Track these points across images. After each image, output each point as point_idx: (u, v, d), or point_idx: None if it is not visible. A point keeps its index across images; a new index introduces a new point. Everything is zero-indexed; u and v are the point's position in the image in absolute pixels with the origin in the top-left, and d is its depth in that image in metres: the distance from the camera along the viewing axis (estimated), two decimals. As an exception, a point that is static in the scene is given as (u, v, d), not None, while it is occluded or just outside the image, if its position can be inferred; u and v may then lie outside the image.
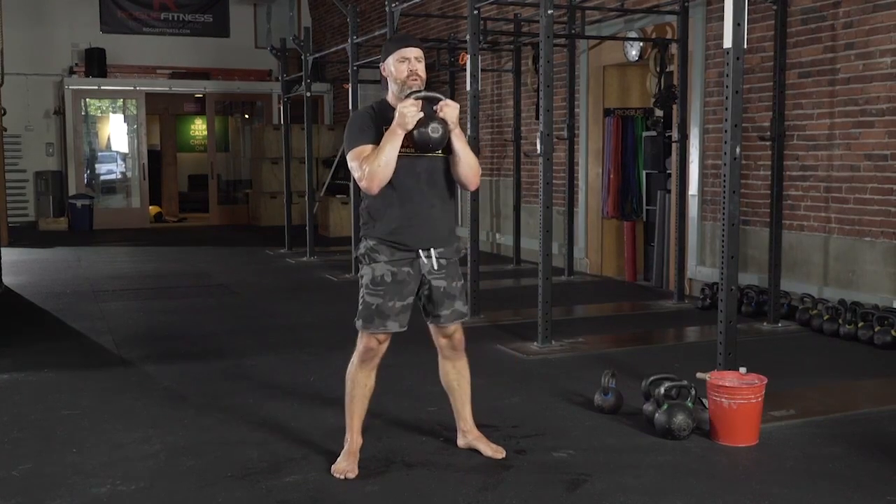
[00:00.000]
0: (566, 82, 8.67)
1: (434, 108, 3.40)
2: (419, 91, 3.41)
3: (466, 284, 6.42)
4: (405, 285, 3.47)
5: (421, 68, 3.46)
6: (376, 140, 3.38)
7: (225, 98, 16.51)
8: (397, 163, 3.34)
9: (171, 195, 17.29)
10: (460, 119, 3.50)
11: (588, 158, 8.96)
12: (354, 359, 3.53)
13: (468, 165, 3.48)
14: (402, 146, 3.35)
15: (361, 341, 3.50)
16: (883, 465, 3.56)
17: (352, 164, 3.41)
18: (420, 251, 3.46)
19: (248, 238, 13.15)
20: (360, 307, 3.50)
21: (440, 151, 3.45)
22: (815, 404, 4.38)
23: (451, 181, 3.55)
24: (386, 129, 3.37)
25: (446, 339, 3.64)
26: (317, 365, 5.23)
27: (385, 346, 3.51)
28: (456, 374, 3.70)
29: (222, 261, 10.58)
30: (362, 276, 3.53)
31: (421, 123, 3.34)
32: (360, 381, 3.52)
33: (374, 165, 3.32)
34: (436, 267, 3.49)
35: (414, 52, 3.46)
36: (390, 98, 3.51)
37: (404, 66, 3.44)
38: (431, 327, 3.64)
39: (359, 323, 3.49)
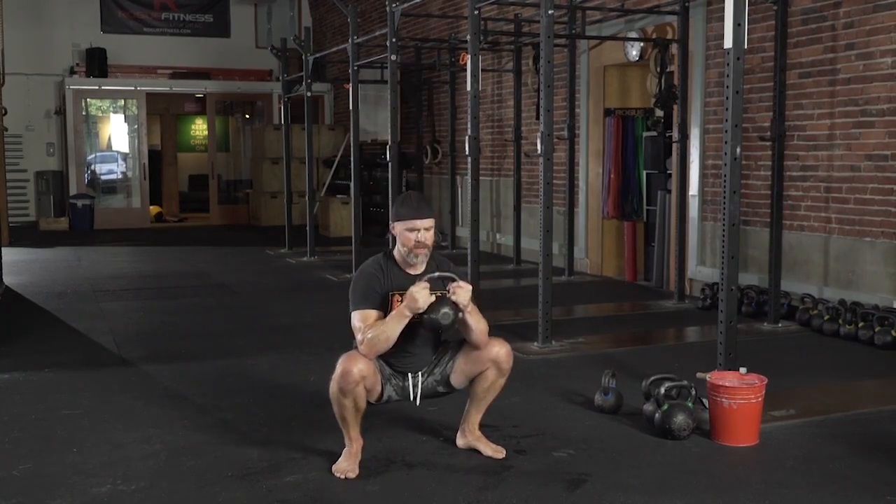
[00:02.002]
0: (567, 82, 8.68)
1: (447, 288, 3.46)
2: (433, 274, 3.47)
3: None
4: (395, 384, 3.61)
5: (429, 237, 3.52)
6: (381, 305, 3.47)
7: (225, 98, 16.52)
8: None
9: (172, 195, 17.30)
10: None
11: (588, 158, 8.96)
12: (333, 387, 3.41)
13: (481, 333, 3.58)
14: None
15: (337, 372, 3.38)
16: (883, 465, 3.56)
17: (355, 324, 3.48)
18: (409, 375, 3.60)
19: (249, 238, 13.15)
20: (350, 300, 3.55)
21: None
22: (815, 404, 4.38)
23: (438, 341, 3.67)
24: (392, 296, 3.45)
25: (492, 357, 3.57)
26: (317, 365, 5.22)
27: (361, 377, 3.36)
28: (491, 387, 3.66)
29: (222, 261, 10.58)
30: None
31: (431, 308, 3.38)
32: (347, 406, 3.42)
33: (375, 339, 3.39)
34: (421, 386, 3.62)
35: (424, 224, 3.51)
36: (397, 255, 3.58)
37: (412, 236, 3.50)
38: (466, 362, 3.61)
39: (353, 308, 3.50)
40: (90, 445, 3.85)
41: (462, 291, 3.43)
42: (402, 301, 3.42)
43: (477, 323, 3.54)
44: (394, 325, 3.40)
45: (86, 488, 3.37)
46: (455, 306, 3.42)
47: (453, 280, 3.48)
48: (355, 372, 3.36)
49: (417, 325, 3.49)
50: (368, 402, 3.49)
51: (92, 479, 3.45)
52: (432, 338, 3.64)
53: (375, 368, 3.47)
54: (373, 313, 3.46)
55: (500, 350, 3.59)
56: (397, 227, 3.54)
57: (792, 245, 6.62)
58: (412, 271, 3.56)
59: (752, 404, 3.79)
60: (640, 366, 5.04)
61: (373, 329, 3.40)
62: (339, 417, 3.49)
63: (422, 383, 3.61)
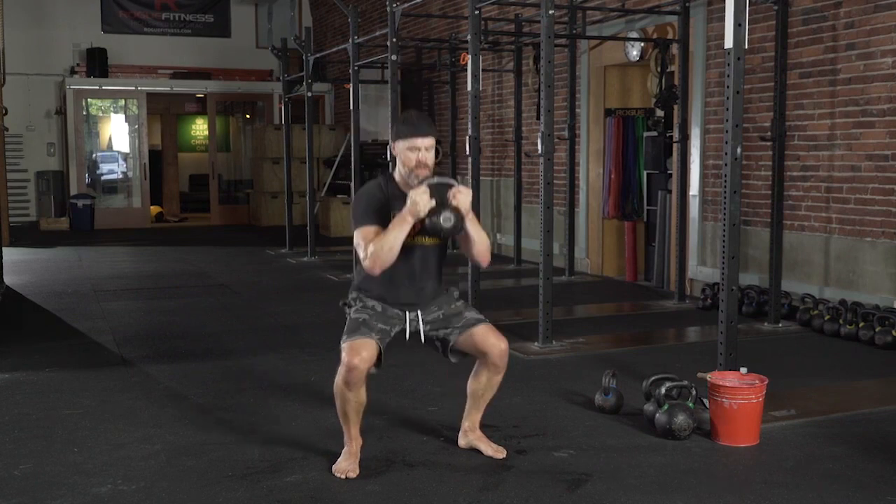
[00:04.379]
0: (567, 82, 8.67)
1: (447, 194, 3.40)
2: (432, 178, 3.42)
3: (467, 285, 6.46)
4: (391, 319, 3.52)
5: (430, 157, 3.45)
6: (382, 221, 3.40)
7: (226, 98, 16.52)
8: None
9: (172, 195, 17.31)
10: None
11: (589, 158, 8.96)
12: (338, 380, 3.41)
13: (482, 246, 3.53)
14: (410, 231, 3.36)
15: (343, 362, 3.37)
16: (883, 465, 3.56)
17: (357, 242, 3.42)
18: (407, 312, 3.53)
19: (249, 238, 13.15)
20: (345, 329, 3.48)
21: (436, 239, 3.48)
22: (815, 404, 4.38)
23: (441, 265, 3.62)
24: (394, 212, 3.38)
25: (489, 350, 3.53)
26: (317, 365, 5.23)
27: (367, 366, 3.36)
28: (488, 385, 3.65)
29: (223, 261, 10.58)
30: (349, 308, 3.56)
31: (433, 212, 3.34)
32: (349, 400, 3.42)
33: (379, 249, 3.33)
34: (421, 327, 3.54)
35: (425, 143, 3.43)
36: (398, 177, 3.51)
37: (413, 155, 3.42)
38: (464, 343, 3.57)
39: (344, 338, 3.44)
40: (91, 445, 3.85)
41: (462, 196, 3.38)
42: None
43: (477, 233, 3.49)
44: (396, 233, 3.33)
45: (86, 488, 3.37)
46: (457, 211, 3.36)
47: (452, 185, 3.42)
48: (361, 365, 3.34)
49: (417, 250, 3.45)
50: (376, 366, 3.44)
51: (92, 479, 3.45)
52: (434, 263, 3.56)
53: (376, 346, 3.41)
54: (374, 228, 3.39)
55: (497, 343, 3.55)
56: (398, 146, 3.45)
57: (792, 245, 6.62)
58: None
59: (752, 404, 3.79)
60: (641, 366, 5.04)
61: (374, 242, 3.35)
62: (341, 413, 3.48)
63: (421, 325, 3.54)
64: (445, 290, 3.66)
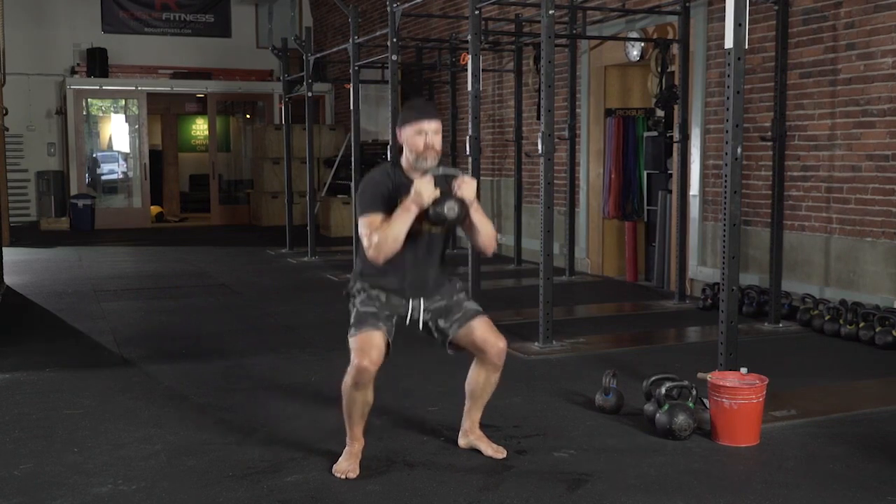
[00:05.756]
0: (567, 82, 8.67)
1: (452, 183, 3.40)
2: (437, 168, 3.42)
3: (468, 285, 6.45)
4: (396, 308, 3.53)
5: (437, 141, 3.42)
6: (388, 209, 3.38)
7: (226, 98, 16.52)
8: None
9: (173, 195, 17.31)
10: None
11: (589, 158, 8.96)
12: (347, 380, 3.41)
13: (487, 235, 3.53)
14: (415, 220, 3.36)
15: (353, 364, 3.37)
16: (884, 465, 3.56)
17: (362, 230, 3.40)
18: (410, 300, 3.52)
19: (249, 238, 13.16)
20: (352, 321, 3.49)
21: (441, 227, 3.47)
22: (815, 404, 4.38)
23: (445, 253, 3.63)
24: (400, 199, 3.36)
25: (487, 348, 3.54)
26: (317, 365, 5.23)
27: (376, 368, 3.37)
28: (486, 383, 3.65)
29: (223, 261, 10.59)
30: (354, 299, 3.54)
31: (437, 202, 3.34)
32: (356, 400, 3.43)
33: (383, 239, 3.32)
34: (421, 316, 3.54)
35: (432, 126, 3.41)
36: (405, 164, 3.48)
37: (420, 139, 3.40)
38: (463, 339, 3.57)
39: (352, 331, 3.44)
40: (91, 445, 3.85)
41: (467, 186, 3.39)
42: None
43: (482, 223, 3.49)
44: (400, 223, 3.32)
45: (86, 488, 3.37)
46: (461, 201, 3.37)
47: (457, 175, 3.43)
48: (370, 367, 3.34)
49: (422, 238, 3.45)
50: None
51: (93, 479, 3.45)
52: (438, 251, 3.56)
53: (384, 343, 3.41)
54: (379, 216, 3.37)
55: (495, 342, 3.55)
56: (404, 133, 3.42)
57: (793, 245, 6.62)
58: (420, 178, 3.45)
59: (752, 404, 3.79)
60: (641, 366, 5.04)
61: (379, 232, 3.34)
62: (347, 412, 3.49)
63: (422, 314, 3.54)
64: (449, 280, 3.66)
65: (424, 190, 3.32)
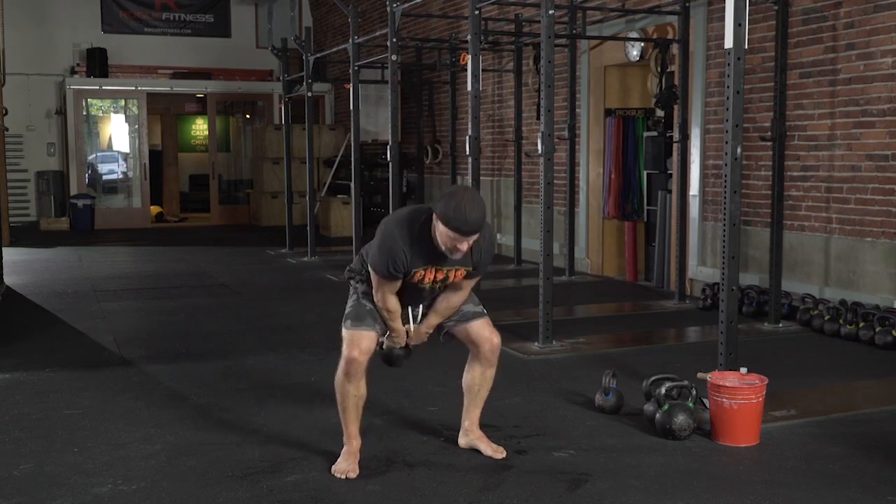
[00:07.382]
0: (567, 82, 8.67)
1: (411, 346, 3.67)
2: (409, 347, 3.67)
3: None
4: None
5: (465, 246, 3.25)
6: (399, 277, 3.39)
7: (226, 98, 16.52)
8: (403, 282, 3.43)
9: (173, 195, 17.30)
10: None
11: (589, 158, 8.96)
12: (339, 373, 3.48)
13: (448, 308, 3.62)
14: (422, 278, 3.44)
15: (343, 356, 3.44)
16: (884, 465, 3.56)
17: (373, 275, 3.46)
18: (410, 308, 3.61)
19: (249, 238, 13.15)
20: (348, 310, 3.54)
21: (440, 286, 3.54)
22: (815, 404, 4.39)
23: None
24: (415, 270, 3.36)
25: (481, 343, 3.60)
26: (317, 365, 5.23)
27: (367, 358, 3.45)
28: (482, 380, 3.69)
29: (223, 261, 10.58)
30: (356, 285, 3.59)
31: (394, 347, 3.64)
32: (349, 393, 3.48)
33: (381, 303, 3.48)
34: (420, 317, 3.65)
35: (471, 239, 3.25)
36: (436, 236, 3.29)
37: (453, 244, 3.24)
38: (459, 334, 3.64)
39: (347, 323, 3.50)
40: (91, 445, 3.85)
41: (417, 338, 3.65)
42: (425, 274, 3.40)
43: (446, 309, 3.58)
44: (388, 314, 3.52)
45: (86, 488, 3.37)
46: (409, 353, 3.68)
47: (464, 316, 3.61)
48: (360, 357, 3.42)
49: (425, 291, 3.51)
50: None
51: (93, 479, 3.45)
52: (440, 292, 3.61)
53: (377, 337, 3.52)
54: (389, 285, 3.42)
55: (489, 337, 3.61)
56: (440, 226, 3.21)
57: (793, 245, 6.62)
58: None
59: (752, 404, 3.79)
60: (641, 366, 5.04)
61: (381, 298, 3.47)
62: (341, 407, 3.52)
63: (420, 315, 3.64)
64: None
65: (401, 339, 3.59)
